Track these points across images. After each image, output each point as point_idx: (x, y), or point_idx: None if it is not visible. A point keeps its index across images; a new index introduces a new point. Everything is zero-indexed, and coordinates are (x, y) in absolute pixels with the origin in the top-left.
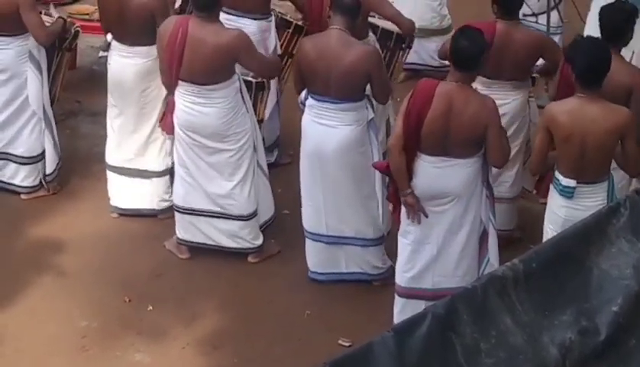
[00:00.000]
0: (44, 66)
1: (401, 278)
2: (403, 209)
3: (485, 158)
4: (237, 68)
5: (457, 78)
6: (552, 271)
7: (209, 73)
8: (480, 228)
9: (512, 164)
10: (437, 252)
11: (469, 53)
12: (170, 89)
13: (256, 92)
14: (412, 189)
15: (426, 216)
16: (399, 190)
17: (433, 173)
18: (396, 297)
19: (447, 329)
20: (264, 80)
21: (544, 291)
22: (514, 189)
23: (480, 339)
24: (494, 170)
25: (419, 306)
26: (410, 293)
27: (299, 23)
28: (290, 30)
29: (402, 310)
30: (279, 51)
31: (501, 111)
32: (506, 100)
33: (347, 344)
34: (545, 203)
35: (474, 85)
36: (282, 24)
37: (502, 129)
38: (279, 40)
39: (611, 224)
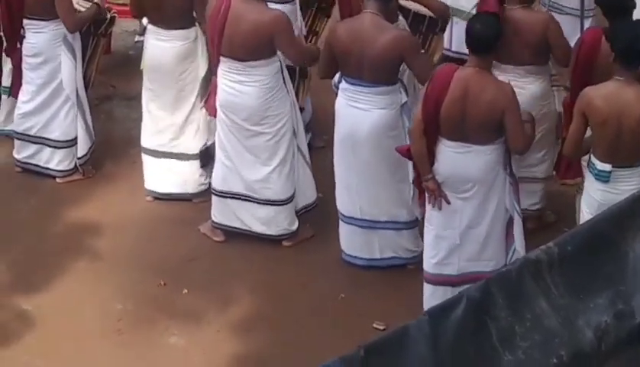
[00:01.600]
0: (78, 51)
1: (427, 264)
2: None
3: (506, 145)
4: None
5: (475, 63)
6: (587, 255)
7: (248, 49)
8: (505, 215)
9: (538, 147)
10: (460, 239)
11: (483, 37)
12: (214, 66)
13: (299, 78)
14: (433, 174)
15: (448, 203)
16: (420, 175)
17: (454, 158)
18: (424, 283)
19: (482, 312)
20: (307, 68)
21: (579, 274)
22: (541, 170)
23: (514, 322)
24: None
25: (446, 292)
26: (437, 280)
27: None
28: (314, 9)
29: (430, 296)
30: (304, 32)
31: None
32: (520, 89)
33: (382, 328)
34: (565, 185)
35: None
36: (305, 3)
37: (527, 115)
38: (304, 19)
39: None
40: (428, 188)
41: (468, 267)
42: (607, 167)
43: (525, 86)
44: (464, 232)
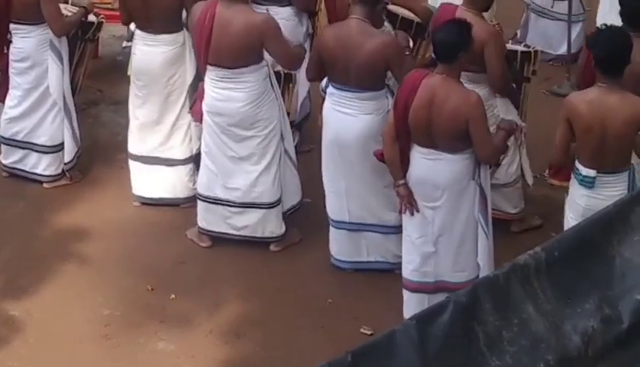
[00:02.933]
0: (65, 56)
1: (405, 270)
2: None
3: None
4: (267, 57)
5: (442, 70)
6: (574, 260)
7: (236, 55)
8: (477, 226)
9: None
10: (434, 248)
11: (446, 45)
12: (201, 72)
13: (284, 83)
14: (405, 180)
15: (417, 211)
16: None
17: (424, 164)
18: (403, 289)
19: (470, 317)
20: (292, 72)
21: (566, 279)
22: (500, 175)
23: (502, 327)
24: None
25: (423, 300)
26: (413, 287)
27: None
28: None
29: (407, 303)
30: (310, 32)
31: None
32: None
33: (369, 332)
34: (558, 186)
35: None
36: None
37: (506, 124)
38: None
39: (633, 212)
40: (398, 193)
41: (443, 276)
42: (592, 172)
43: None
44: (436, 241)
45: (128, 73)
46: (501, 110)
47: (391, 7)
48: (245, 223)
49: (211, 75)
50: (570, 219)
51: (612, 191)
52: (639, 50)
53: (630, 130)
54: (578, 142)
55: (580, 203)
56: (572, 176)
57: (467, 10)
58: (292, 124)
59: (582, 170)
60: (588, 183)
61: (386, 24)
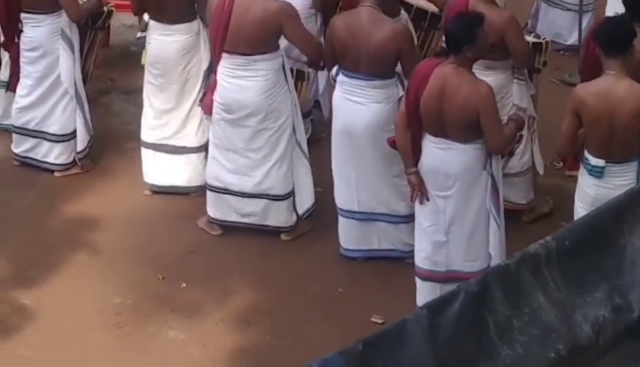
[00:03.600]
0: (76, 44)
1: (417, 258)
2: None
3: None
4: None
5: (453, 60)
6: (585, 249)
7: (254, 41)
8: (489, 216)
9: None
10: (445, 238)
11: (456, 36)
12: (214, 64)
13: (296, 80)
14: (416, 168)
15: (427, 199)
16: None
17: (436, 154)
18: (415, 277)
19: (480, 306)
20: (304, 70)
21: (577, 269)
22: (514, 166)
23: (512, 316)
24: None
25: (435, 288)
26: (425, 275)
27: None
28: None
29: (419, 290)
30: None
31: None
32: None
33: (380, 321)
34: (571, 176)
35: None
36: None
37: (515, 114)
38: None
39: None
40: (410, 182)
41: (454, 266)
42: (601, 162)
43: (485, 79)
44: (448, 230)
45: (142, 63)
46: (515, 98)
47: None
48: (255, 212)
49: (225, 63)
50: (580, 209)
51: (621, 180)
52: None
53: (637, 122)
54: (587, 133)
55: (589, 193)
56: (581, 166)
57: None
58: (303, 115)
59: (591, 159)
60: (597, 173)
61: (402, 12)
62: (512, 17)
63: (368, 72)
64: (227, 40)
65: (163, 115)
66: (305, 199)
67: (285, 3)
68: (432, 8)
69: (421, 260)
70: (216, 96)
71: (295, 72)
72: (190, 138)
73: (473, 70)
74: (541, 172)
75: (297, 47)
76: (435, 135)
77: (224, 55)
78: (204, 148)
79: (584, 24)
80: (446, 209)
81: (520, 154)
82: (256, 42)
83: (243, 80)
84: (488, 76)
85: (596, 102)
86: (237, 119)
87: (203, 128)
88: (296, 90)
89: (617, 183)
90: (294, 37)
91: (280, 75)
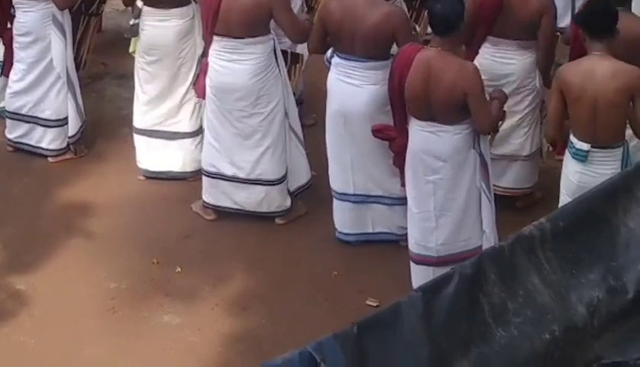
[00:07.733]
0: (68, 30)
1: (410, 242)
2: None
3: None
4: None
5: (438, 43)
6: (579, 230)
7: (245, 24)
8: (479, 194)
9: (520, 124)
10: (435, 221)
11: (444, 17)
12: (206, 46)
13: (291, 63)
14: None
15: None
16: (397, 155)
17: (424, 137)
18: (410, 260)
19: (475, 288)
20: (299, 53)
21: (571, 250)
22: (525, 148)
23: (507, 298)
24: (504, 128)
25: (428, 271)
26: (418, 259)
27: None
28: None
29: (413, 273)
30: (305, 8)
31: (506, 70)
32: (511, 61)
33: (375, 304)
34: (561, 160)
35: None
36: None
37: (498, 92)
38: None
39: (638, 183)
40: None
41: (446, 250)
42: (585, 145)
43: (514, 61)
44: (439, 214)
45: (130, 51)
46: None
47: None
48: (249, 198)
49: (216, 46)
50: (564, 196)
51: (605, 168)
52: (625, 21)
53: (622, 98)
54: (570, 113)
55: (573, 180)
56: (566, 151)
57: None
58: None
59: (576, 142)
60: (581, 157)
61: None
62: (550, 3)
63: (363, 53)
64: (219, 23)
65: (156, 102)
66: (300, 178)
67: None
68: None
69: (413, 245)
70: (208, 80)
71: (289, 54)
72: (184, 123)
73: (506, 50)
74: (545, 158)
75: (284, 31)
76: (422, 119)
77: (215, 38)
78: (198, 133)
79: (577, 7)
80: (436, 193)
81: (530, 136)
82: (247, 25)
83: (234, 63)
84: (519, 56)
85: (579, 80)
86: (228, 103)
87: (197, 113)
88: (290, 72)
89: (601, 170)
90: (282, 22)
91: (271, 58)
